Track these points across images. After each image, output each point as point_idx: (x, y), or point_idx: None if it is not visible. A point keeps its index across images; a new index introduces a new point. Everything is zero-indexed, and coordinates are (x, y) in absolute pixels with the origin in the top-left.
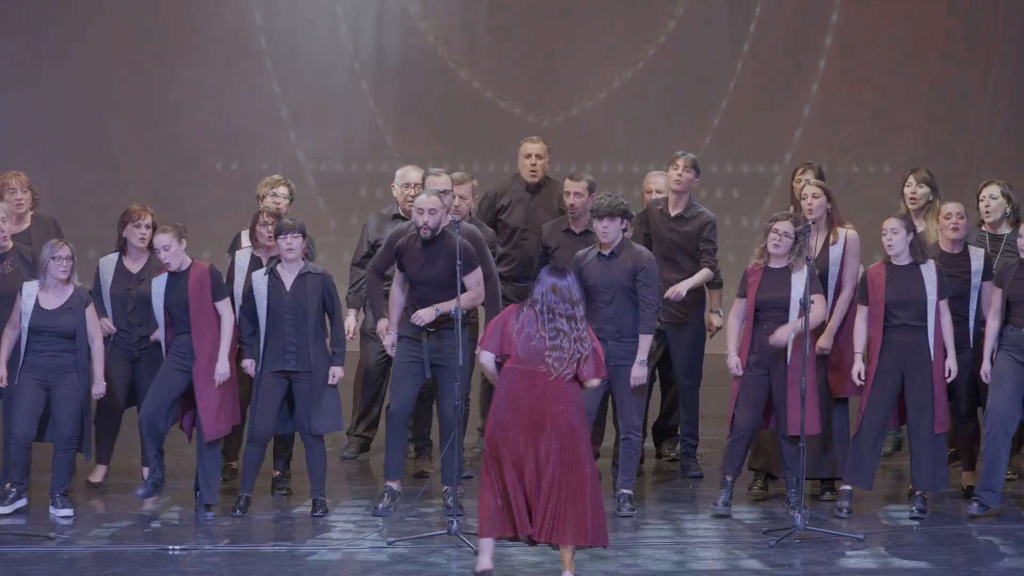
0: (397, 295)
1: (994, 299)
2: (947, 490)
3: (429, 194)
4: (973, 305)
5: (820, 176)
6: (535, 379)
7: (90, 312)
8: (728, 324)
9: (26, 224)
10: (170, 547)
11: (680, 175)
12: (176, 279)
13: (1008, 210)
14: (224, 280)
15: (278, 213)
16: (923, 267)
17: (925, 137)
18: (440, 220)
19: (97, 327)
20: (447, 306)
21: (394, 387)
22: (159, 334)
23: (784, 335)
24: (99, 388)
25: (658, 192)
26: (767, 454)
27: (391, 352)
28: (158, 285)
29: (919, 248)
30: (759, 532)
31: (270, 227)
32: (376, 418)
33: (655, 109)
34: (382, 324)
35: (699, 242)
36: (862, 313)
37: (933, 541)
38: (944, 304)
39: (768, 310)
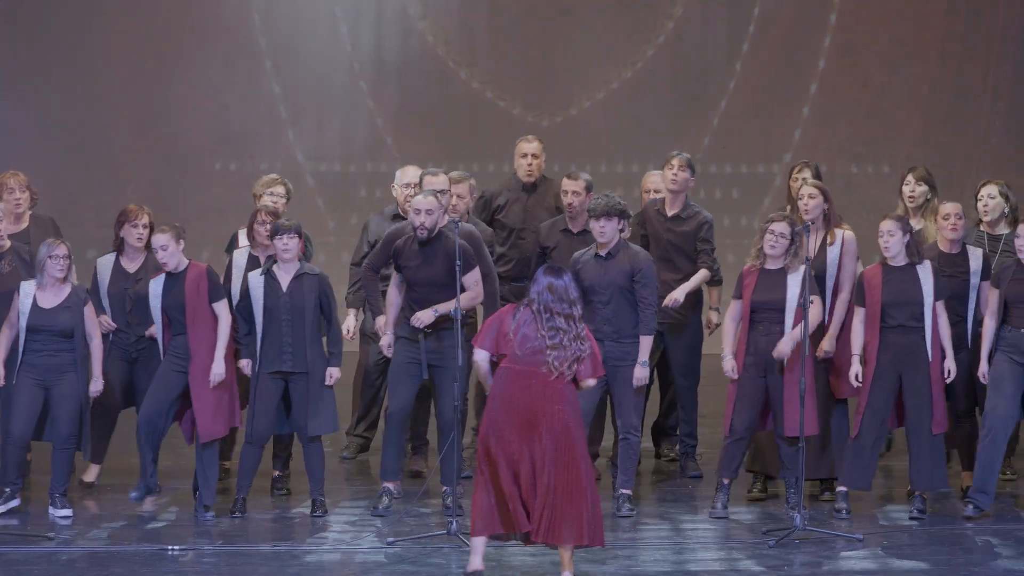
0: (394, 296)
1: (991, 299)
2: (946, 490)
3: (426, 194)
4: (972, 306)
5: (817, 175)
6: (531, 379)
7: (88, 310)
8: (724, 326)
9: (25, 224)
10: (169, 547)
11: (676, 175)
12: (173, 280)
13: (1006, 210)
14: (222, 281)
15: (276, 211)
16: (919, 268)
17: (924, 137)
18: (437, 220)
19: (95, 325)
20: (446, 307)
21: (392, 388)
22: (155, 330)
23: (788, 348)
24: (96, 385)
25: (656, 192)
26: (764, 456)
27: (388, 353)
28: (155, 286)
29: (915, 249)
30: (758, 532)
31: (268, 225)
32: (376, 418)
33: (654, 109)
34: (380, 320)
35: (696, 242)
36: (859, 315)
37: (932, 541)
38: (941, 305)
39: (764, 311)
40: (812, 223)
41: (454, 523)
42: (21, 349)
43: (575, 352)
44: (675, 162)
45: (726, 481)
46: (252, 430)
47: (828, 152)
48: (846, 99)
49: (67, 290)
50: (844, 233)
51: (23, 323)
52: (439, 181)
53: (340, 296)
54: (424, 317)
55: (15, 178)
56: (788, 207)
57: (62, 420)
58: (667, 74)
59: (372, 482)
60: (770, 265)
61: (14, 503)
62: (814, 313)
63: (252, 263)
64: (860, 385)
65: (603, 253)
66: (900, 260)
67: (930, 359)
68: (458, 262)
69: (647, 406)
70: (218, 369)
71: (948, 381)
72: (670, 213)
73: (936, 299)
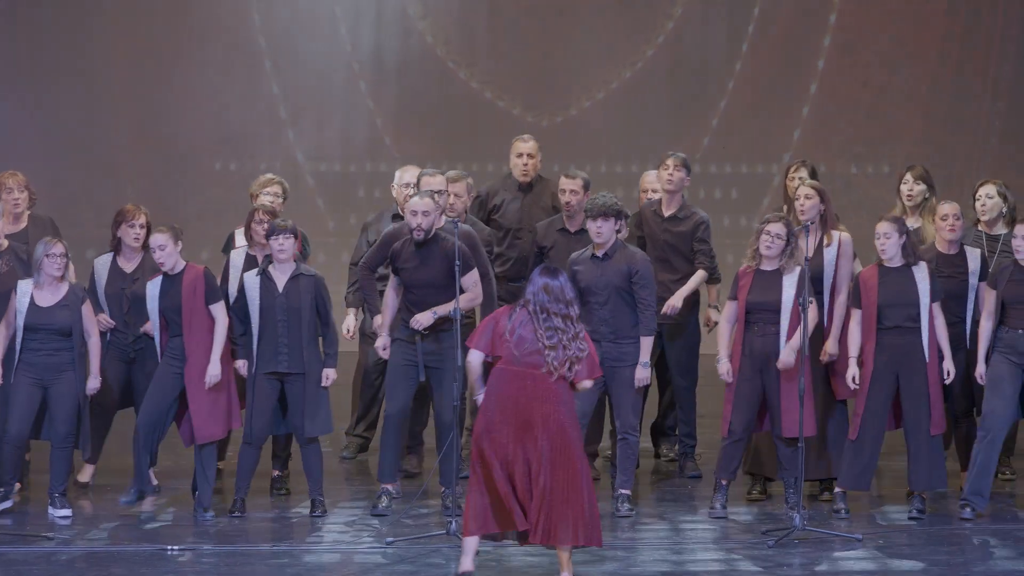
0: (391, 299)
1: (988, 300)
2: (946, 490)
3: (422, 196)
4: (970, 306)
5: (813, 174)
6: (526, 380)
7: (86, 309)
8: (719, 328)
9: (23, 223)
10: (168, 547)
11: (671, 175)
12: (170, 282)
13: (1004, 210)
14: (219, 281)
15: (274, 210)
16: (915, 269)
17: (924, 137)
18: (434, 221)
19: (94, 323)
20: (445, 309)
21: (389, 391)
22: (151, 327)
23: (791, 359)
24: (94, 383)
25: (654, 192)
26: (763, 457)
27: (383, 355)
28: (153, 288)
29: (911, 250)
30: (757, 532)
31: (265, 224)
32: (375, 419)
33: (654, 109)
34: (377, 319)
35: (693, 242)
36: (856, 316)
37: (931, 541)
38: (937, 306)
39: (759, 312)
40: (811, 223)
41: (453, 523)
42: (18, 348)
43: (574, 352)
44: (670, 162)
45: (724, 482)
46: (249, 430)
47: (828, 152)
48: (846, 99)
49: (64, 289)
50: (841, 235)
51: (20, 322)
52: (436, 182)
53: (339, 296)
54: (423, 319)
55: (13, 178)
56: (785, 207)
57: (60, 419)
58: (667, 74)
59: (371, 482)
60: (766, 266)
61: (7, 504)
62: (810, 315)
63: (249, 263)
64: (857, 387)
65: (600, 254)
66: (896, 262)
67: (927, 360)
68: (457, 263)
69: (645, 406)
70: (214, 371)
71: (948, 382)
72: (666, 213)
73: (932, 300)
